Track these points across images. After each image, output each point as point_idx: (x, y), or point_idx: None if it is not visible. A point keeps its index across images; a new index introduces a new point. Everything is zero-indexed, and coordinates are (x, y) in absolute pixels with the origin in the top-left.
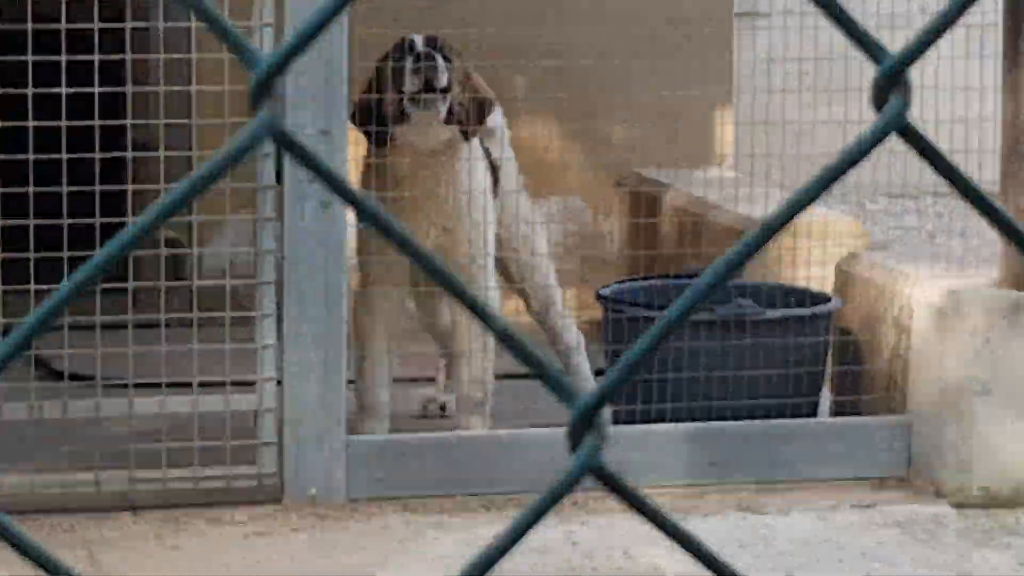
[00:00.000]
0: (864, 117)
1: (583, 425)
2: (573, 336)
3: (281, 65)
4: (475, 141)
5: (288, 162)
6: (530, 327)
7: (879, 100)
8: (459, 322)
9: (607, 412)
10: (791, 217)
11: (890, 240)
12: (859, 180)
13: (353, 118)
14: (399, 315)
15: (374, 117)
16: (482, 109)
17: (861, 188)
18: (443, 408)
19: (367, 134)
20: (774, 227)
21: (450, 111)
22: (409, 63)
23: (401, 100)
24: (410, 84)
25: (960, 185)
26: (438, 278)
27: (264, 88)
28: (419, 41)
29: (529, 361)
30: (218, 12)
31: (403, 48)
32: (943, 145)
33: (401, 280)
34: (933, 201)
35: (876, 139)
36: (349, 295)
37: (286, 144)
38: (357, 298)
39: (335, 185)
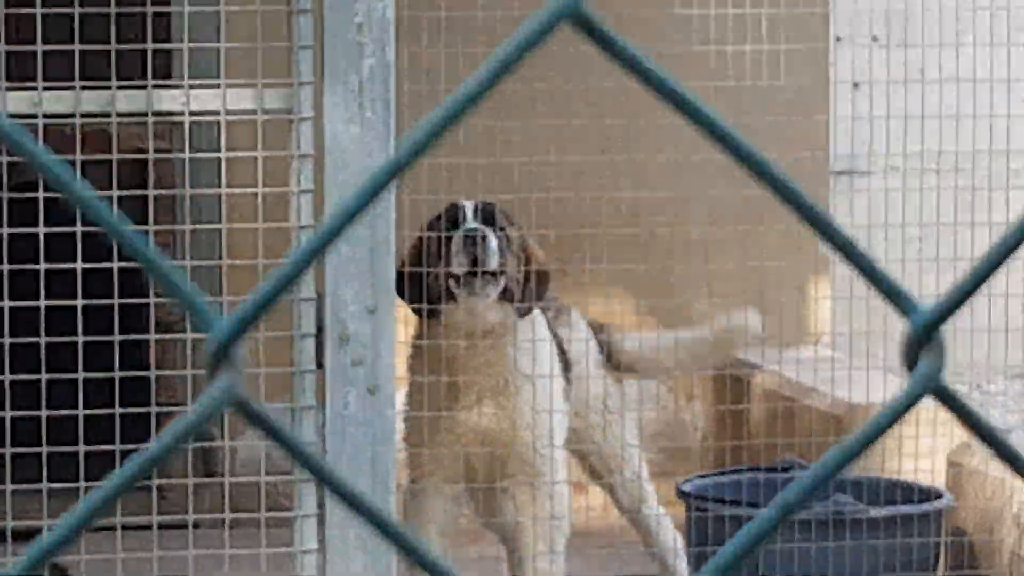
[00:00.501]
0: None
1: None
2: (670, 536)
3: (239, 331)
4: (539, 319)
5: (329, 344)
6: (620, 528)
7: (910, 359)
8: (524, 520)
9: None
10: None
11: (1010, 426)
12: (974, 359)
13: (399, 291)
14: (454, 513)
15: (422, 291)
16: (540, 284)
17: (978, 367)
18: None
19: (415, 311)
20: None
21: (504, 288)
22: (457, 239)
23: (448, 278)
24: (457, 264)
25: (1000, 449)
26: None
27: (223, 353)
28: (469, 209)
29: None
30: (176, 276)
31: (453, 216)
32: None
33: (455, 474)
34: None
35: (909, 405)
36: (398, 492)
37: (245, 413)
38: (406, 495)
39: (296, 453)
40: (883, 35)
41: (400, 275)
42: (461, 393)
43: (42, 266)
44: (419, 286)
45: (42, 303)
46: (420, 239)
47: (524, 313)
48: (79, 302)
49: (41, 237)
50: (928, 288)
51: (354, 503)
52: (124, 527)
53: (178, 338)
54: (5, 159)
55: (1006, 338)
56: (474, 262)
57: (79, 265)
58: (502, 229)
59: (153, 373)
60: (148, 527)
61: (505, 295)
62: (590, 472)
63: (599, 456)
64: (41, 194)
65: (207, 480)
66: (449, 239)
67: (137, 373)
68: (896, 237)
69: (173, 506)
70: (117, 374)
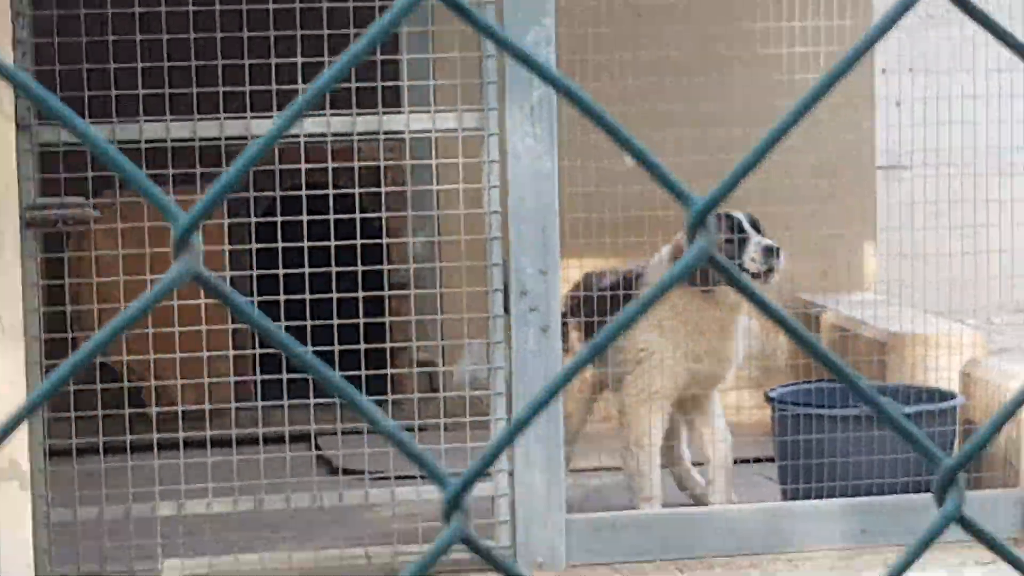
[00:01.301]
0: (990, 247)
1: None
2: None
3: (196, 222)
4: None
5: (513, 296)
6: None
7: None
8: (706, 412)
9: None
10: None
11: (1008, 348)
12: (988, 300)
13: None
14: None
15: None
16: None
17: (988, 305)
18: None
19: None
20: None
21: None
22: (756, 248)
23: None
24: (756, 264)
25: (784, 325)
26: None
27: (184, 241)
28: (747, 221)
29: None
30: (145, 181)
31: (734, 226)
32: None
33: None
34: None
35: (682, 272)
36: (569, 402)
37: (203, 283)
38: (633, 406)
39: (246, 317)
40: (919, 66)
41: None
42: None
43: (305, 244)
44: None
45: (306, 270)
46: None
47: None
48: (333, 269)
49: (304, 223)
50: (954, 248)
51: (335, 386)
52: (368, 431)
53: (405, 294)
54: (252, 194)
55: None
56: (771, 267)
57: (332, 243)
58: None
59: (388, 320)
60: (408, 429)
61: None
62: None
63: None
64: (304, 192)
65: (429, 395)
66: (743, 241)
67: (378, 319)
68: (931, 211)
69: (405, 415)
70: (361, 320)
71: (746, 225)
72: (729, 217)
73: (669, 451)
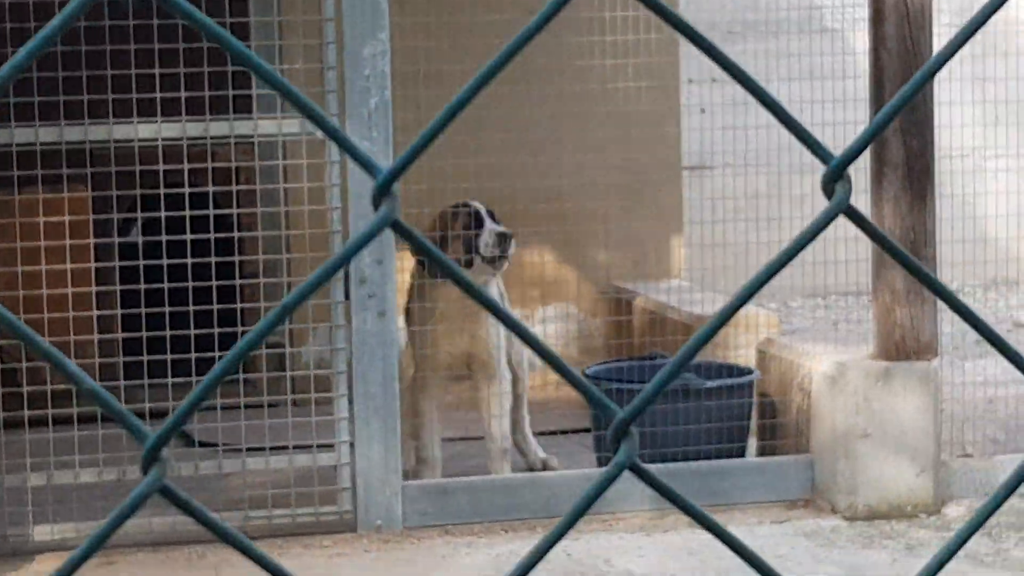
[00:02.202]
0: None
1: (622, 432)
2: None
3: (397, 172)
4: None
5: (353, 284)
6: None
7: (828, 190)
8: (484, 398)
9: (635, 429)
10: (753, 292)
11: (800, 328)
12: (782, 284)
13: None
14: (444, 392)
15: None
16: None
17: (783, 290)
18: (545, 465)
19: (421, 264)
20: (740, 301)
21: (493, 258)
22: (490, 236)
23: (471, 253)
24: (490, 250)
25: (899, 257)
26: None
27: (385, 189)
28: (483, 210)
29: (569, 378)
30: (347, 140)
31: (473, 213)
32: None
33: (444, 366)
34: (836, 299)
35: (827, 221)
36: (402, 380)
37: (401, 232)
38: (415, 380)
39: (433, 259)
40: (721, 76)
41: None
42: (452, 319)
43: (163, 237)
44: (444, 248)
45: (165, 262)
46: (442, 219)
47: (499, 268)
48: (189, 260)
49: (163, 218)
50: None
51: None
52: (222, 407)
53: (255, 283)
54: (115, 192)
55: (803, 269)
56: (502, 252)
57: (188, 237)
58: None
59: (239, 306)
60: (238, 407)
61: (491, 263)
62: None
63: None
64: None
65: (279, 374)
66: (479, 232)
67: (231, 306)
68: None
69: (255, 392)
70: (216, 307)
71: (483, 214)
72: (467, 206)
73: (515, 428)
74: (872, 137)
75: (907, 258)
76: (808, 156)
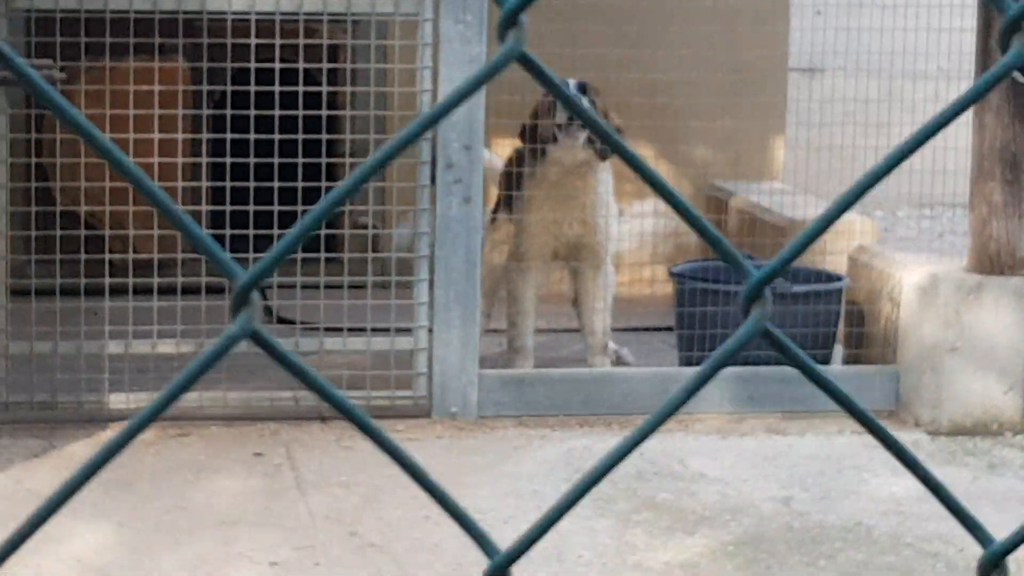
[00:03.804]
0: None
1: (755, 294)
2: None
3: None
4: (608, 164)
5: (439, 168)
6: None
7: (1004, 45)
8: (589, 289)
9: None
10: (857, 198)
11: (904, 237)
12: (888, 193)
13: (521, 136)
14: (545, 279)
15: (536, 136)
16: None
17: (890, 199)
18: (619, 358)
19: (531, 150)
20: (841, 208)
21: (589, 139)
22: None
23: (553, 127)
24: (561, 115)
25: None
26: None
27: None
28: (571, 83)
29: (707, 236)
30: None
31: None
32: None
33: (548, 255)
34: (943, 209)
35: (998, 77)
36: (484, 266)
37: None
38: (514, 269)
39: (569, 103)
40: None
41: (523, 127)
42: (557, 205)
43: (252, 112)
44: (535, 133)
45: (251, 136)
46: (538, 103)
47: (603, 157)
48: (276, 136)
49: (252, 95)
50: (859, 144)
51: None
52: (303, 286)
53: (342, 162)
54: (206, 64)
55: (911, 177)
56: (570, 117)
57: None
58: (591, 99)
59: (324, 184)
60: (317, 286)
61: (591, 143)
62: None
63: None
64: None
65: (362, 255)
66: (554, 101)
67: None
68: (839, 109)
69: (339, 272)
70: (300, 184)
71: (570, 83)
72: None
73: (580, 316)
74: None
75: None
76: (923, 63)
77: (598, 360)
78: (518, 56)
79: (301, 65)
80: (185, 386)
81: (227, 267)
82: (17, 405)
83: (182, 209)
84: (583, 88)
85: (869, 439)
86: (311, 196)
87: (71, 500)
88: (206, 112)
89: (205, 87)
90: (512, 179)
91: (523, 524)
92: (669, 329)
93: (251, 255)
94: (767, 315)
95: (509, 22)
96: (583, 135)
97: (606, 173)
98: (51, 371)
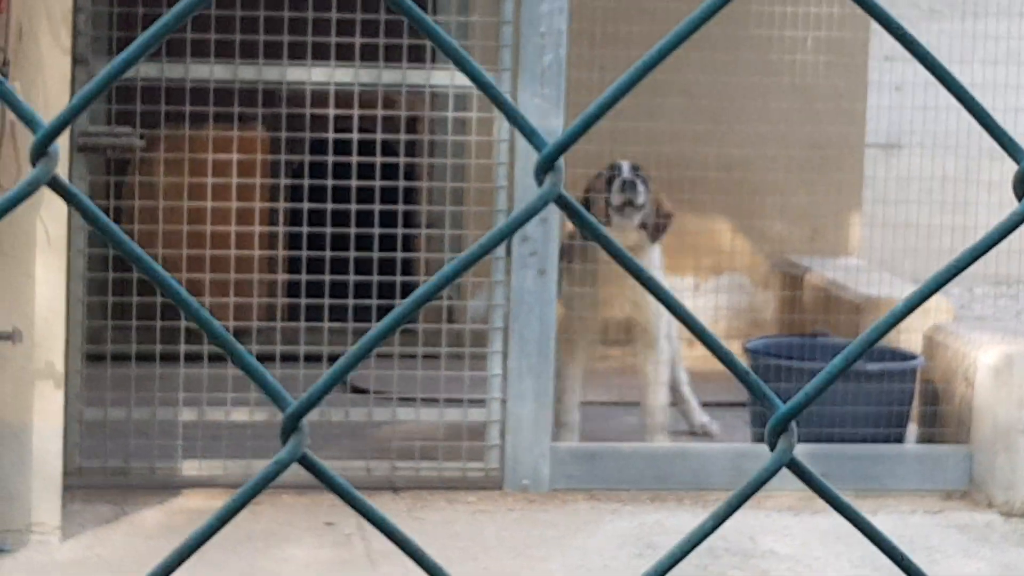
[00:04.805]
0: (977, 223)
1: (781, 428)
2: (684, 375)
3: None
4: (659, 245)
5: (515, 240)
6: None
7: (1019, 190)
8: (644, 367)
9: (794, 424)
10: (939, 286)
11: (980, 316)
12: (971, 272)
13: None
14: (591, 357)
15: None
16: (667, 222)
17: (967, 277)
18: (705, 430)
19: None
20: (924, 295)
21: (643, 222)
22: (617, 183)
23: (608, 207)
24: (616, 198)
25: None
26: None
27: (549, 164)
28: (626, 167)
29: (734, 368)
30: (514, 109)
31: (615, 168)
32: None
33: (597, 331)
34: (1022, 288)
35: (1015, 224)
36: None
37: (565, 206)
38: (562, 343)
39: (599, 237)
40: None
41: (578, 201)
42: (611, 284)
43: (329, 182)
44: (588, 209)
45: (329, 206)
46: (593, 179)
47: (654, 239)
48: (353, 207)
49: (330, 164)
50: (936, 223)
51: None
52: (378, 355)
53: (417, 233)
54: (284, 134)
55: (990, 255)
56: (627, 200)
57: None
58: (645, 182)
59: (400, 255)
60: (390, 355)
61: (644, 227)
62: None
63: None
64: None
65: (437, 326)
66: (611, 181)
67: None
68: (918, 187)
69: (414, 342)
70: (376, 255)
71: (623, 167)
72: (615, 164)
73: (673, 392)
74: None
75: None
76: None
77: (657, 439)
78: (555, 198)
79: (379, 136)
80: (237, 509)
81: (277, 394)
82: (90, 471)
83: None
84: (635, 169)
85: (942, 519)
86: (387, 267)
87: (140, 570)
88: (284, 181)
89: (283, 156)
90: (566, 253)
91: None
92: (743, 405)
93: (326, 324)
94: (793, 446)
95: (546, 167)
96: (638, 217)
97: (656, 254)
98: (125, 437)
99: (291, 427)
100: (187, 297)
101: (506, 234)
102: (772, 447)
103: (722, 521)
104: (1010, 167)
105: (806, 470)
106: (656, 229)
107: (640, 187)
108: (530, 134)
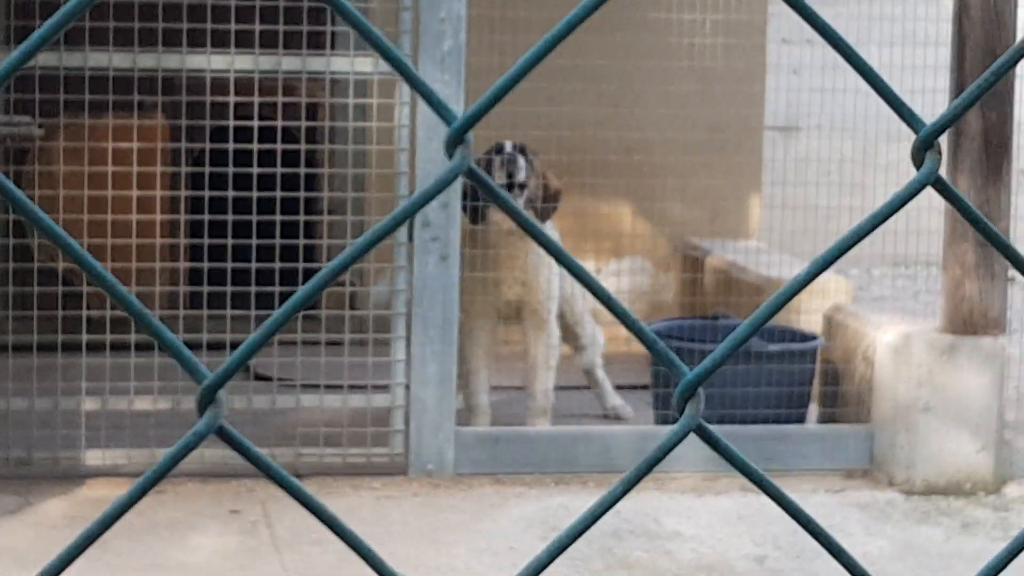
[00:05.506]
0: (872, 205)
1: (688, 394)
2: (599, 359)
3: (473, 119)
4: (550, 224)
5: (417, 226)
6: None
7: (917, 159)
8: (531, 350)
9: (702, 392)
10: (833, 260)
11: (878, 297)
12: (864, 252)
13: (464, 197)
14: (494, 340)
15: (475, 198)
16: (555, 198)
17: (866, 258)
18: (616, 413)
19: (472, 210)
20: (819, 268)
21: (529, 199)
22: (497, 160)
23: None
24: (497, 175)
25: (981, 228)
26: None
27: (459, 136)
28: (508, 145)
29: (642, 337)
30: (424, 84)
31: (498, 148)
32: None
33: (493, 314)
34: (920, 268)
35: (915, 191)
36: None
37: (474, 178)
38: (463, 327)
39: (508, 208)
40: (816, 38)
41: (464, 187)
42: (499, 265)
43: (231, 169)
44: (474, 195)
45: (230, 193)
46: (476, 162)
47: (544, 219)
48: (255, 193)
49: (231, 152)
50: (834, 204)
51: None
52: (280, 342)
53: (319, 219)
54: (184, 122)
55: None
56: (508, 176)
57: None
58: (529, 160)
59: (302, 242)
60: (294, 342)
61: (532, 207)
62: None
63: (571, 312)
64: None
65: (339, 312)
66: (491, 161)
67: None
68: (815, 169)
69: (317, 328)
70: (278, 241)
71: (507, 147)
72: (499, 144)
73: (587, 375)
74: (967, 107)
75: (993, 233)
76: (898, 124)
77: (538, 422)
78: (465, 171)
79: (280, 123)
80: (155, 480)
81: (193, 368)
82: None
83: (141, 304)
84: (522, 149)
85: (844, 498)
86: (289, 254)
87: (45, 560)
88: (185, 169)
89: (184, 144)
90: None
91: None
92: (645, 387)
93: (228, 311)
94: (700, 412)
95: (456, 140)
96: (523, 197)
97: (553, 235)
98: (27, 427)
99: (208, 399)
100: (102, 271)
101: (419, 206)
102: (680, 412)
103: (631, 486)
104: (906, 149)
105: (714, 435)
106: (545, 208)
107: (521, 163)
108: (440, 107)
